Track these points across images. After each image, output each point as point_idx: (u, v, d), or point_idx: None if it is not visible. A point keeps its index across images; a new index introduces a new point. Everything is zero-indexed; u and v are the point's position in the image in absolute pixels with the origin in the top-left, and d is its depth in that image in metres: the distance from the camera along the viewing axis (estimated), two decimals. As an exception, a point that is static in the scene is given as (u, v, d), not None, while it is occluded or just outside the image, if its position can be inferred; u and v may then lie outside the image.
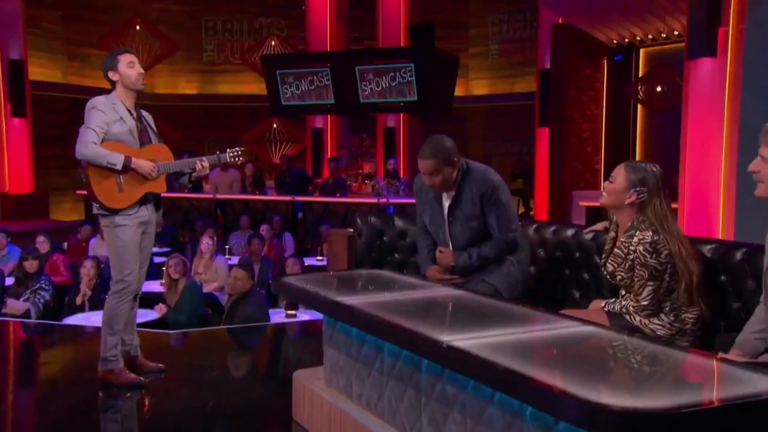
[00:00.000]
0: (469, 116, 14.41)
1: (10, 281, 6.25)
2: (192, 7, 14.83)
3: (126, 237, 3.44)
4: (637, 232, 2.60)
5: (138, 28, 12.37)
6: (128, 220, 3.45)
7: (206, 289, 6.57)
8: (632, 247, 2.60)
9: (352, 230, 3.99)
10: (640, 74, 10.53)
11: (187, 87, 15.11)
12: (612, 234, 2.78)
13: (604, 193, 2.75)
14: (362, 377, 2.72)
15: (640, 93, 9.77)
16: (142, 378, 3.50)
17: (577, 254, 3.22)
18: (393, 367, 2.51)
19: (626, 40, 10.51)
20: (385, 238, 3.90)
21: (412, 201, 9.60)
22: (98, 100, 3.44)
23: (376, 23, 12.18)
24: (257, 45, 13.59)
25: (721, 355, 2.26)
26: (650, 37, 10.25)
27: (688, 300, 2.56)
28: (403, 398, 2.45)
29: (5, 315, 5.54)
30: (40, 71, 12.35)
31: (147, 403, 3.39)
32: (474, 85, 14.62)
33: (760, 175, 2.16)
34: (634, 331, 2.50)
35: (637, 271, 2.58)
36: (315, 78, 10.75)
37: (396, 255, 3.91)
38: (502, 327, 2.28)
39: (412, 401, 2.40)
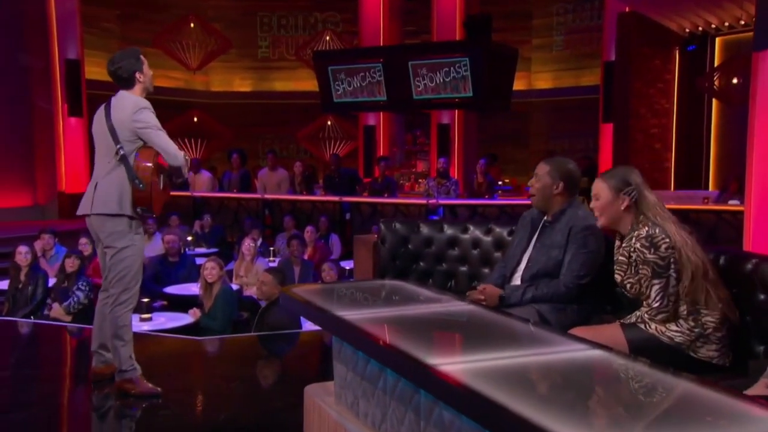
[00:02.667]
0: (531, 111, 14.14)
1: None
2: (247, 3, 15.14)
3: (143, 245, 3.53)
4: (635, 232, 2.55)
5: (192, 25, 12.73)
6: (141, 228, 3.55)
7: (247, 292, 6.69)
8: (631, 249, 2.54)
9: (376, 236, 3.96)
10: (716, 65, 10.05)
11: (242, 84, 15.44)
12: (617, 243, 2.69)
13: (597, 216, 2.70)
14: (368, 396, 2.68)
15: (715, 85, 9.32)
16: (159, 388, 3.57)
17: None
18: (395, 388, 2.47)
19: (700, 28, 10.05)
20: (409, 246, 3.85)
21: (463, 202, 9.54)
22: (145, 100, 3.52)
23: (431, 16, 12.09)
24: (312, 40, 13.75)
25: (748, 392, 2.12)
26: (727, 24, 9.76)
27: (702, 296, 2.44)
28: (404, 421, 2.41)
29: (47, 318, 5.79)
30: (96, 70, 12.86)
31: (159, 414, 3.46)
32: (537, 78, 14.32)
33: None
34: (650, 341, 2.39)
35: (641, 272, 2.50)
36: (367, 74, 10.75)
37: (421, 263, 3.85)
38: (505, 349, 2.19)
39: (412, 424, 2.35)
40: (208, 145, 13.49)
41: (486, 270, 3.70)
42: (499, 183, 11.82)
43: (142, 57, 3.62)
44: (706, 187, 10.58)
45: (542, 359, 2.11)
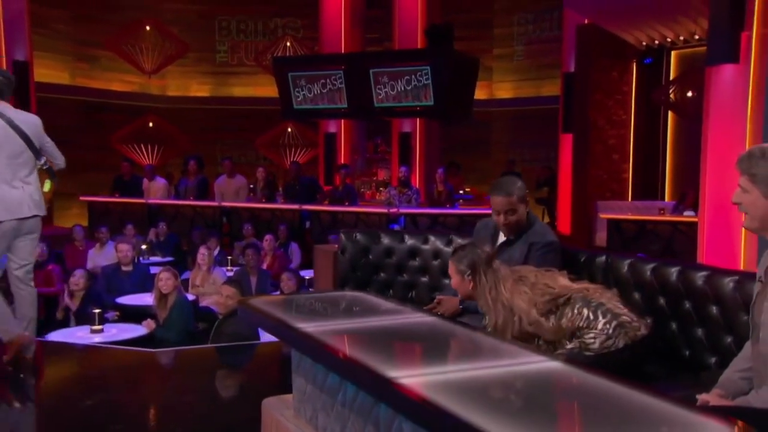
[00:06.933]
0: (492, 121, 14.33)
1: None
2: (205, 6, 15.01)
3: None
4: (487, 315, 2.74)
5: (148, 28, 12.57)
6: None
7: (204, 302, 6.61)
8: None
9: (337, 246, 3.97)
10: (671, 78, 10.35)
11: (200, 89, 15.29)
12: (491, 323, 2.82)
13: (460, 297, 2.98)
14: (327, 409, 2.68)
15: (671, 98, 9.60)
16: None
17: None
18: (354, 401, 2.48)
19: (656, 41, 10.35)
20: (370, 256, 3.87)
21: (424, 211, 9.61)
22: None
23: (392, 24, 12.18)
24: (272, 46, 13.71)
25: (702, 396, 2.19)
26: (682, 38, 10.07)
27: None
28: (364, 434, 2.42)
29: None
30: (46, 72, 12.61)
31: (110, 429, 3.39)
32: (498, 88, 14.53)
33: (743, 206, 2.09)
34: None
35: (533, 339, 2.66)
36: (328, 81, 10.78)
37: (382, 274, 3.88)
38: (465, 361, 2.23)
39: (371, 438, 2.37)
40: (164, 151, 13.30)
41: (446, 281, 3.74)
42: (460, 192, 11.94)
43: None
44: (662, 198, 10.87)
45: (502, 371, 2.15)
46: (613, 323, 2.53)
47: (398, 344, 2.59)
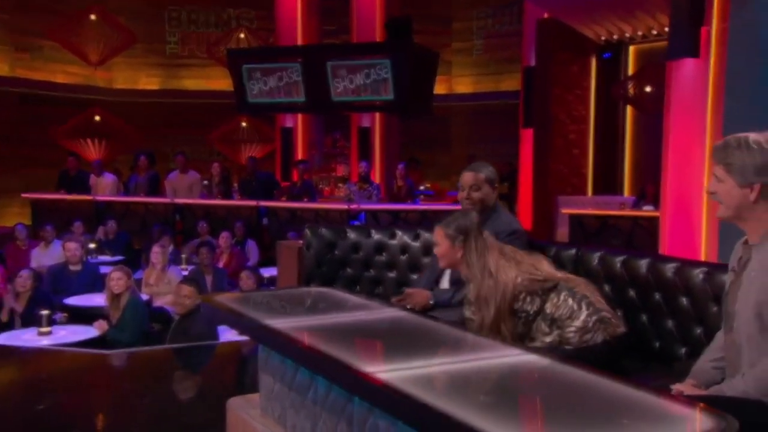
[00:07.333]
0: (452, 116, 14.42)
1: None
2: (154, -5, 14.74)
3: None
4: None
5: (93, 17, 12.25)
6: None
7: (158, 302, 6.50)
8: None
9: (302, 242, 3.94)
10: (630, 73, 10.58)
11: (149, 82, 14.99)
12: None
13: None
14: (296, 407, 2.66)
15: (629, 93, 9.81)
16: None
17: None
18: (326, 397, 2.46)
19: (615, 36, 10.56)
20: (336, 252, 3.85)
21: (385, 207, 9.60)
22: None
23: (350, 15, 12.14)
24: (225, 37, 13.52)
25: (676, 386, 2.24)
26: (640, 33, 10.30)
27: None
28: (336, 431, 2.41)
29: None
30: (-15, 63, 12.21)
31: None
32: (457, 82, 14.63)
33: (718, 195, 2.15)
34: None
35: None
36: (284, 74, 10.67)
37: (348, 269, 3.86)
38: (438, 355, 2.24)
39: (344, 435, 2.36)
40: (112, 147, 12.99)
41: (414, 276, 3.75)
42: (421, 188, 11.99)
43: None
44: (622, 193, 11.11)
45: (479, 365, 2.16)
46: (594, 317, 2.56)
47: (371, 339, 2.59)
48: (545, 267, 2.70)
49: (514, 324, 2.63)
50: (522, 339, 2.66)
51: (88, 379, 4.14)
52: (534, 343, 2.64)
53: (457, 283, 3.25)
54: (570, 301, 2.58)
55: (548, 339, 2.58)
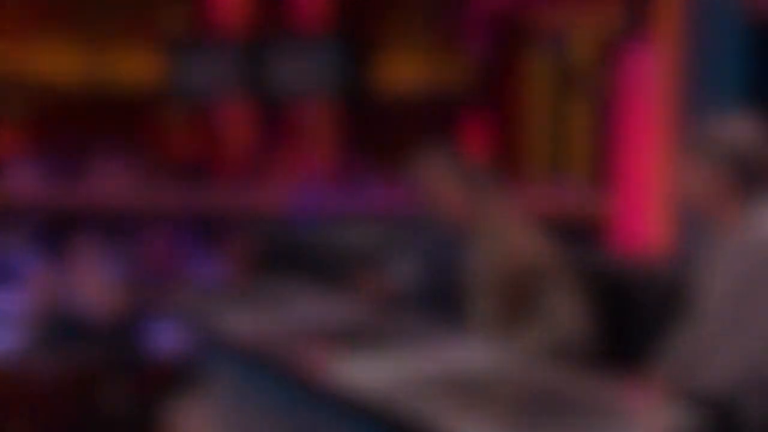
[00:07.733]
0: (395, 109, 14.34)
1: None
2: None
3: None
4: None
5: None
6: None
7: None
8: None
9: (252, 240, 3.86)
10: (578, 61, 10.71)
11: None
12: None
13: None
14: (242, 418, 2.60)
15: (579, 81, 9.95)
16: None
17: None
18: (278, 407, 2.40)
19: (563, 24, 10.67)
20: (289, 250, 3.79)
21: (333, 204, 9.47)
22: None
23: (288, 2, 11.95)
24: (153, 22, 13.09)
25: (648, 383, 2.27)
26: (589, 21, 10.43)
27: None
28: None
29: None
30: None
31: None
32: (401, 73, 14.56)
33: (687, 185, 2.17)
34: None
35: None
36: (219, 62, 10.52)
37: (302, 269, 3.80)
38: (408, 352, 2.21)
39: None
40: None
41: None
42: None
43: None
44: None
45: (452, 364, 2.13)
46: (578, 320, 2.59)
47: (332, 337, 2.53)
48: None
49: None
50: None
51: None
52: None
53: None
54: (564, 299, 2.58)
55: (526, 337, 2.58)
